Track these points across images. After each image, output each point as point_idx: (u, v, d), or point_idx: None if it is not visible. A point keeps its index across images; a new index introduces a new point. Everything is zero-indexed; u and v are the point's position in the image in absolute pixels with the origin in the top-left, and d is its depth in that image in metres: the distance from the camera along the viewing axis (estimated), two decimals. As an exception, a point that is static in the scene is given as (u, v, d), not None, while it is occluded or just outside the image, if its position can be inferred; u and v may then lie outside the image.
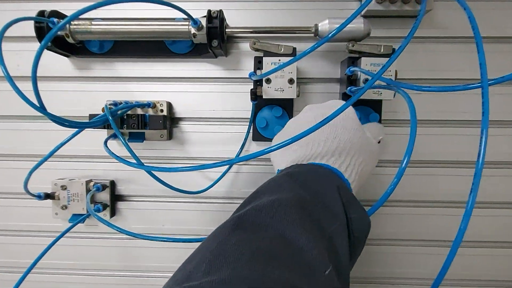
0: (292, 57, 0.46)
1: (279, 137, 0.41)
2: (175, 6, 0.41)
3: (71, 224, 0.52)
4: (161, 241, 0.42)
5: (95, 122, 0.43)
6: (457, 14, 0.52)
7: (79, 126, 0.41)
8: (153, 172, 0.47)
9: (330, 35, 0.36)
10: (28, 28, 0.54)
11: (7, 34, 0.55)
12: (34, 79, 0.34)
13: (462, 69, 0.53)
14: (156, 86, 0.55)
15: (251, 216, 0.25)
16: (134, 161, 0.47)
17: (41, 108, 0.36)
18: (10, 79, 0.35)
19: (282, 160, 0.38)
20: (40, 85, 0.55)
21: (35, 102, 0.36)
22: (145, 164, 0.55)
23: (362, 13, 0.51)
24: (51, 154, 0.46)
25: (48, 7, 0.50)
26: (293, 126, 0.40)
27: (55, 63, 0.55)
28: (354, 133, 0.35)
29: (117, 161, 0.50)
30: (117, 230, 0.42)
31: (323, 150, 0.33)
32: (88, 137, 0.54)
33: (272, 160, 0.41)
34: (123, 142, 0.45)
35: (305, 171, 0.31)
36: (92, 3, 0.51)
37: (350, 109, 0.37)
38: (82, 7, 0.54)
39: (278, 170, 0.37)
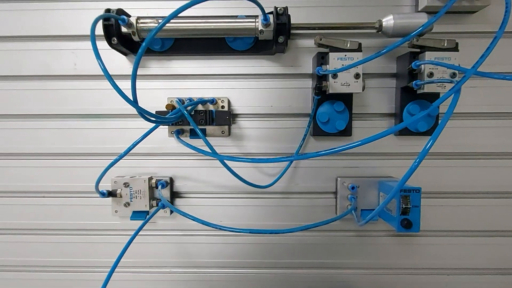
0: (359, 52, 0.48)
1: None
2: (255, 1, 0.42)
3: (134, 221, 0.53)
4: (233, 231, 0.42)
5: (172, 118, 0.43)
6: None
7: (161, 120, 0.42)
8: (226, 162, 0.47)
9: (418, 30, 0.37)
10: (84, 27, 0.55)
11: (63, 33, 0.56)
12: (134, 78, 0.35)
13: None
14: (213, 83, 0.56)
15: None
16: (194, 157, 0.48)
17: (135, 102, 0.36)
18: (110, 78, 0.35)
19: None
20: (99, 83, 0.56)
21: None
22: (205, 159, 0.56)
23: (421, 8, 0.52)
24: (127, 151, 0.46)
25: (104, 6, 0.51)
26: None
27: (113, 62, 0.55)
28: None
29: (175, 159, 0.52)
30: (203, 224, 0.42)
31: None
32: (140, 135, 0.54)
33: None
34: (201, 136, 0.45)
35: None
36: (151, 2, 0.52)
37: None
38: (140, 5, 0.55)
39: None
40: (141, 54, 0.34)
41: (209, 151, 0.47)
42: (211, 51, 0.54)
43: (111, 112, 0.56)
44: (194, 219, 0.43)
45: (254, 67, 0.55)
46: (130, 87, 0.56)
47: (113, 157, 0.49)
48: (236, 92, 0.56)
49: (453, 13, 0.54)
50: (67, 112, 0.56)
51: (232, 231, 0.41)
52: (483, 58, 0.34)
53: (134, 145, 0.47)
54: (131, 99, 0.36)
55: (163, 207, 0.53)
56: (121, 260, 0.58)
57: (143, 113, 0.38)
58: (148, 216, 0.51)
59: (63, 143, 0.57)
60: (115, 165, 0.56)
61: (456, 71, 0.48)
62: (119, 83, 0.56)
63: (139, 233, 0.57)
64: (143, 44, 0.33)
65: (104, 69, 0.35)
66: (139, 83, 0.56)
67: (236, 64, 0.55)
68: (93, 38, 0.35)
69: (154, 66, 0.56)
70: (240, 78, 0.56)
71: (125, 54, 0.55)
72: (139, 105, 0.55)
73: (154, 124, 0.48)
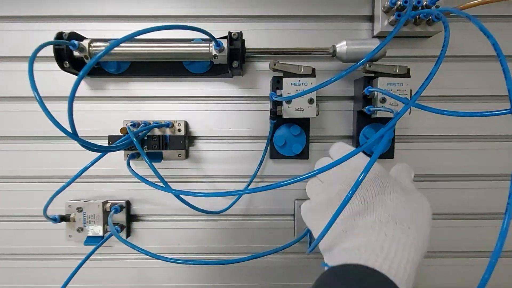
0: (312, 78, 0.48)
1: (313, 213, 0.37)
2: (203, 30, 0.42)
3: (86, 247, 0.52)
4: (183, 263, 0.41)
5: (119, 145, 0.43)
6: (463, 35, 0.55)
7: (104, 150, 0.41)
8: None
9: (360, 62, 0.37)
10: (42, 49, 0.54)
11: (18, 54, 0.55)
12: (70, 108, 0.34)
13: (468, 86, 0.55)
14: (172, 105, 0.55)
15: None
16: (152, 180, 0.47)
17: (74, 134, 0.35)
18: (42, 104, 0.34)
19: (330, 245, 0.33)
20: (55, 105, 0.55)
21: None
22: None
23: (376, 33, 0.53)
24: (75, 178, 0.45)
25: (59, 27, 0.51)
26: (324, 202, 0.36)
27: (69, 83, 0.54)
28: (397, 206, 0.31)
29: (132, 181, 0.51)
30: (147, 255, 0.42)
31: (362, 243, 0.29)
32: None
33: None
34: (151, 167, 0.45)
35: (339, 284, 0.27)
36: (108, 24, 0.52)
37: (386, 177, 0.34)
38: (97, 27, 0.54)
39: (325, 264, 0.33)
40: (77, 85, 0.33)
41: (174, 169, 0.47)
42: (168, 74, 0.54)
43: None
44: (133, 247, 0.42)
45: (213, 90, 0.55)
46: (86, 109, 0.55)
47: (69, 180, 0.48)
48: (195, 114, 0.56)
49: (408, 38, 0.55)
50: (22, 134, 0.55)
51: (174, 262, 0.41)
52: (423, 87, 0.34)
53: (82, 171, 0.46)
54: (70, 130, 0.35)
55: (118, 231, 0.52)
56: (76, 286, 0.57)
57: (85, 145, 0.37)
58: (100, 242, 0.50)
59: (17, 165, 0.56)
60: (71, 189, 0.55)
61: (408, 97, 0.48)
62: (76, 105, 0.56)
63: (96, 258, 0.56)
64: (81, 73, 0.33)
65: (38, 96, 0.34)
66: (95, 105, 0.55)
67: (195, 87, 0.55)
68: (30, 69, 0.34)
69: (111, 88, 0.55)
70: (199, 101, 0.56)
71: (81, 76, 0.54)
72: (94, 128, 0.55)
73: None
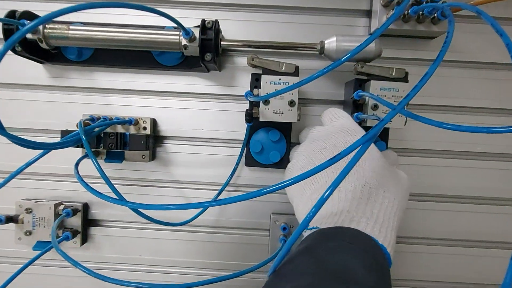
0: (295, 76, 0.42)
1: (291, 174, 0.37)
2: (164, 13, 0.36)
3: (36, 251, 0.46)
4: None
5: (65, 142, 0.37)
6: (472, 38, 0.48)
7: (45, 147, 0.35)
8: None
9: (343, 58, 0.31)
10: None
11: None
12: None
13: (474, 96, 0.49)
14: (139, 100, 0.50)
15: None
16: (114, 181, 0.41)
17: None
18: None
19: (304, 208, 0.33)
20: (10, 93, 0.50)
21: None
22: (124, 185, 0.50)
23: (373, 30, 0.46)
24: (13, 175, 0.39)
25: (20, 6, 0.45)
26: (302, 159, 0.37)
27: (27, 69, 0.49)
28: (384, 175, 0.32)
29: (93, 181, 0.44)
30: (88, 274, 0.36)
31: (352, 206, 0.29)
32: (60, 153, 0.48)
33: (290, 199, 0.38)
34: (98, 170, 0.39)
35: (331, 244, 0.25)
36: (69, 4, 0.46)
37: (371, 146, 0.34)
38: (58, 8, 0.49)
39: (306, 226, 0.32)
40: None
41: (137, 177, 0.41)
42: (136, 65, 0.48)
43: (21, 126, 0.49)
44: (74, 263, 0.37)
45: (186, 85, 0.49)
46: (44, 99, 0.50)
47: (21, 176, 0.42)
48: (164, 111, 0.50)
49: (410, 38, 0.48)
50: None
51: (120, 285, 0.35)
52: (416, 90, 0.28)
53: (22, 168, 0.39)
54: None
55: (68, 238, 0.46)
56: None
57: (16, 141, 0.31)
58: (46, 248, 0.44)
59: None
60: (26, 186, 0.50)
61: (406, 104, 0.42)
62: (34, 94, 0.50)
63: (47, 264, 0.51)
64: (1, 49, 0.27)
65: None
66: (54, 95, 0.49)
67: (166, 81, 0.49)
68: None
69: (73, 77, 0.49)
70: (170, 96, 0.50)
71: (40, 62, 0.49)
72: (51, 121, 0.49)
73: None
